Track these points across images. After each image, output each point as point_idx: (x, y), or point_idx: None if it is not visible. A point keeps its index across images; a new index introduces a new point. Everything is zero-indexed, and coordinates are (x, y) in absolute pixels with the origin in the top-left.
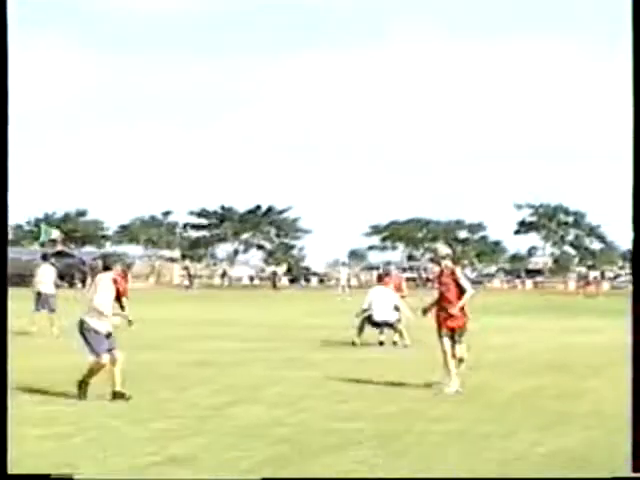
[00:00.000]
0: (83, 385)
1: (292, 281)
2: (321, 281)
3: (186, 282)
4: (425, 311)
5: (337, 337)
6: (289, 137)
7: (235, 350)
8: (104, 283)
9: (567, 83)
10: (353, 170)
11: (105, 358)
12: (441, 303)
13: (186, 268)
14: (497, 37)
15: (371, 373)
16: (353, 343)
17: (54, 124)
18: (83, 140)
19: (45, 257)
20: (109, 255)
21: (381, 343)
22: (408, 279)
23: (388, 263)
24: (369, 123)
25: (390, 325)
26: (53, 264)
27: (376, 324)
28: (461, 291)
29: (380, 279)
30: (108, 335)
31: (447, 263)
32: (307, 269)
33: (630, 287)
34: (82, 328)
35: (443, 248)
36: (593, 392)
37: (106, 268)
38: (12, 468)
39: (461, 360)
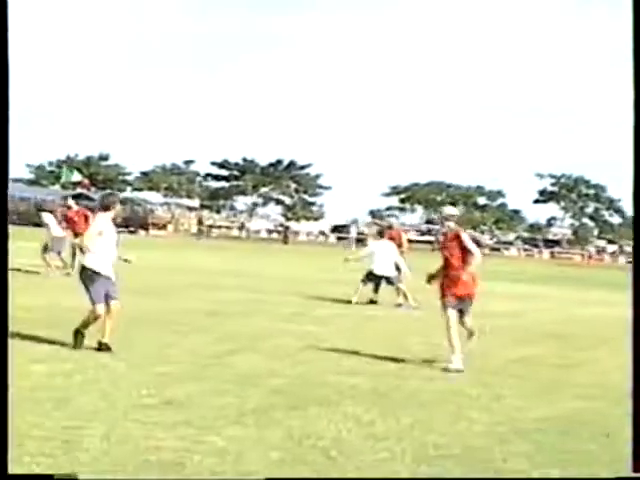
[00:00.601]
0: (79, 335)
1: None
2: (339, 238)
3: (195, 231)
4: (430, 278)
5: (345, 293)
6: (315, 94)
7: (243, 301)
8: (102, 223)
9: (597, 52)
10: (376, 130)
11: (100, 309)
12: (447, 270)
13: (200, 219)
14: None
15: (375, 330)
16: (347, 301)
17: (82, 66)
18: (109, 84)
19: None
20: (107, 195)
21: (372, 301)
22: (425, 242)
23: (403, 225)
24: (396, 84)
25: (389, 281)
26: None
27: (375, 277)
28: (467, 256)
29: (381, 233)
30: (107, 279)
31: (451, 225)
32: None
33: None
34: (81, 273)
35: (448, 208)
36: (593, 363)
37: (105, 208)
38: (13, 468)
39: (472, 333)
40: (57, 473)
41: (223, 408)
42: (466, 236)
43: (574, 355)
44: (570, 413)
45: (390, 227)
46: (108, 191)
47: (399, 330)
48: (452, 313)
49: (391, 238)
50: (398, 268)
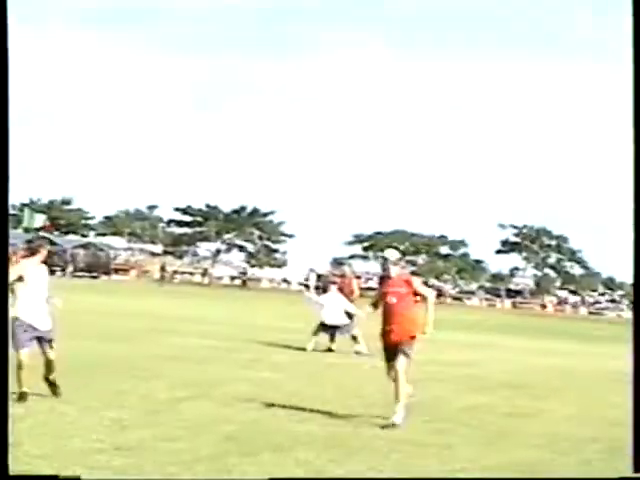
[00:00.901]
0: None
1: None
2: (305, 285)
3: (158, 277)
4: (375, 305)
5: (304, 341)
6: (278, 141)
7: (202, 347)
8: (23, 269)
9: (558, 103)
10: (339, 179)
11: (21, 355)
12: (390, 317)
13: (162, 265)
14: (482, 55)
15: (330, 378)
16: (304, 349)
17: (46, 111)
18: (73, 128)
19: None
20: (34, 240)
21: (330, 349)
22: None
23: (367, 273)
24: (359, 132)
25: (341, 331)
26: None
27: (327, 327)
28: (410, 302)
29: (325, 288)
30: (31, 325)
31: (395, 269)
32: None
33: (609, 314)
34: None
35: (391, 252)
36: (547, 412)
37: (32, 253)
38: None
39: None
40: (61, 474)
41: (176, 454)
42: (417, 280)
43: (528, 404)
44: (518, 462)
45: (343, 275)
46: (35, 236)
47: (354, 377)
48: (399, 362)
49: (341, 287)
50: (351, 316)
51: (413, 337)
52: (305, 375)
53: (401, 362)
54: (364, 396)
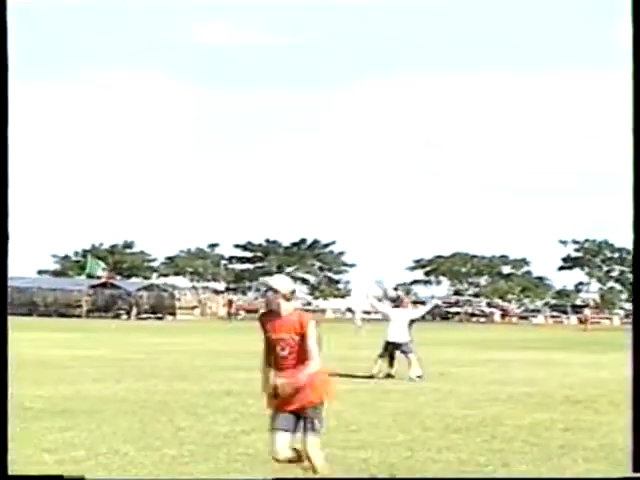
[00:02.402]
0: None
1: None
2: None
3: (224, 314)
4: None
5: (366, 369)
6: (334, 171)
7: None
8: None
9: (613, 114)
10: (398, 205)
11: None
12: (280, 369)
13: (229, 301)
14: (543, 69)
15: (389, 405)
16: (370, 376)
17: (103, 154)
18: (131, 173)
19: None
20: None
21: (389, 375)
22: (453, 314)
23: (432, 297)
24: (413, 157)
25: (400, 348)
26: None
27: (388, 346)
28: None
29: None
30: None
31: (285, 304)
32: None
33: None
34: None
35: (282, 281)
36: (605, 425)
37: None
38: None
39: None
40: (66, 475)
41: None
42: (312, 328)
43: (585, 419)
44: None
45: (398, 300)
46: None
47: (412, 403)
48: (280, 439)
49: None
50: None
51: (318, 403)
52: (365, 403)
53: (310, 439)
54: (422, 421)
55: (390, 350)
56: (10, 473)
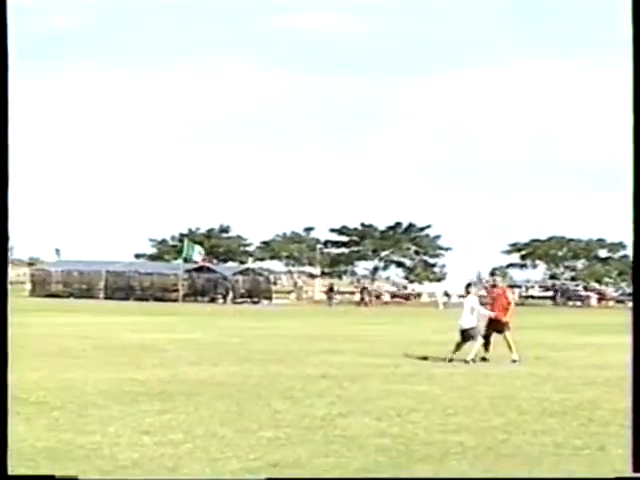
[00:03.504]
0: None
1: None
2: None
3: (325, 298)
4: None
5: (461, 354)
6: (429, 155)
7: (359, 364)
8: None
9: None
10: (492, 189)
11: None
12: None
13: (331, 286)
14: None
15: (486, 389)
16: (466, 361)
17: (198, 139)
18: (229, 157)
19: None
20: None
21: (484, 359)
22: (547, 297)
23: (468, 284)
24: (509, 140)
25: (469, 334)
26: None
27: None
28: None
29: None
30: None
31: None
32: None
33: None
34: None
35: None
36: None
37: None
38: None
39: None
40: (58, 475)
41: (328, 469)
42: None
43: None
44: None
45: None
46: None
47: (508, 386)
48: None
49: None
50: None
51: None
52: (462, 387)
53: None
54: (518, 405)
55: (487, 333)
56: (10, 473)
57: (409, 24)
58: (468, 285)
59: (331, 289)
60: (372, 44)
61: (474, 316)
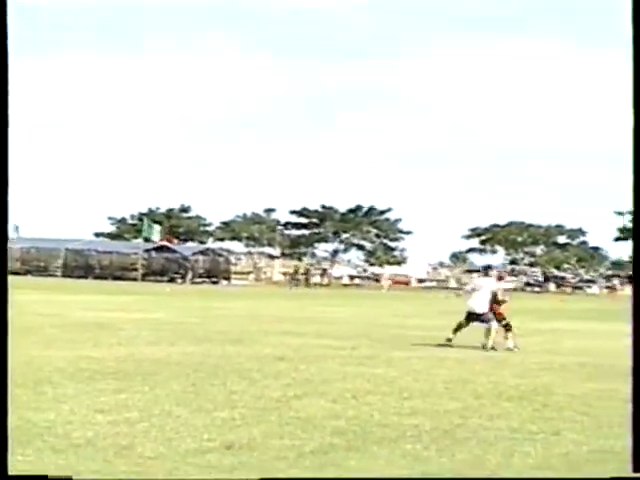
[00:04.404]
0: None
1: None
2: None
3: (289, 279)
4: None
5: (420, 337)
6: (392, 139)
7: (317, 346)
8: None
9: None
10: (453, 173)
11: None
12: None
13: (296, 269)
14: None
15: (443, 372)
16: (423, 344)
17: (163, 121)
18: (190, 137)
19: None
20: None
21: (483, 347)
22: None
23: (488, 266)
24: (469, 127)
25: (481, 319)
26: None
27: (469, 316)
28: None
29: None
30: None
31: None
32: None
33: None
34: None
35: None
36: None
37: None
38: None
39: None
40: (51, 475)
41: (282, 450)
42: None
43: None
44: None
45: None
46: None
47: (467, 371)
48: None
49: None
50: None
51: None
52: (419, 370)
53: None
54: (474, 389)
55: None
56: (10, 473)
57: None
58: (487, 267)
59: (296, 271)
60: (337, 25)
61: (487, 300)
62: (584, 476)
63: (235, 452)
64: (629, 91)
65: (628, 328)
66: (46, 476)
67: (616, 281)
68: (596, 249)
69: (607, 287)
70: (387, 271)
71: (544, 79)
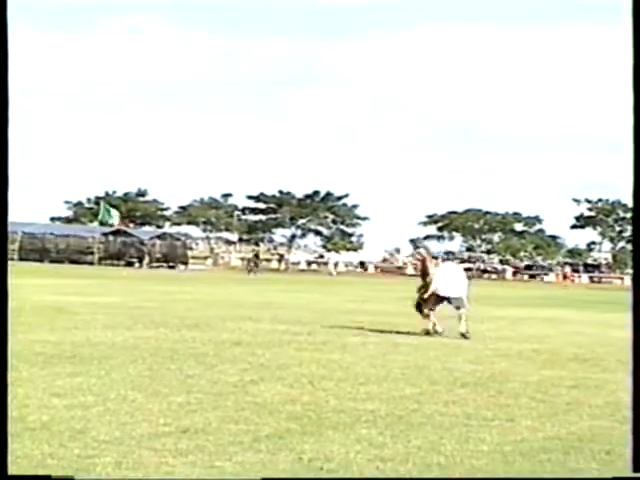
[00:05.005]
0: None
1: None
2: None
3: (246, 265)
4: None
5: (376, 323)
6: (348, 124)
7: (274, 331)
8: None
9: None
10: (411, 160)
11: None
12: None
13: (256, 254)
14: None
15: (399, 358)
16: (379, 330)
17: (119, 103)
18: (146, 120)
19: None
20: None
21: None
22: (465, 270)
23: (448, 252)
24: (427, 112)
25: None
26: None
27: (441, 300)
28: None
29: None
30: None
31: None
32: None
33: None
34: None
35: None
36: (613, 384)
37: None
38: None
39: None
40: (55, 475)
41: (238, 435)
42: None
43: (592, 377)
44: (578, 432)
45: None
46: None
47: (422, 357)
48: None
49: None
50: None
51: None
52: (374, 356)
53: None
54: (430, 375)
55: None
56: (10, 473)
57: None
58: (448, 252)
59: (257, 256)
60: (295, 5)
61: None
62: (584, 476)
63: (191, 436)
64: (588, 77)
65: (584, 315)
66: (49, 476)
67: (568, 269)
68: (553, 237)
69: (563, 275)
70: (343, 257)
71: (502, 61)
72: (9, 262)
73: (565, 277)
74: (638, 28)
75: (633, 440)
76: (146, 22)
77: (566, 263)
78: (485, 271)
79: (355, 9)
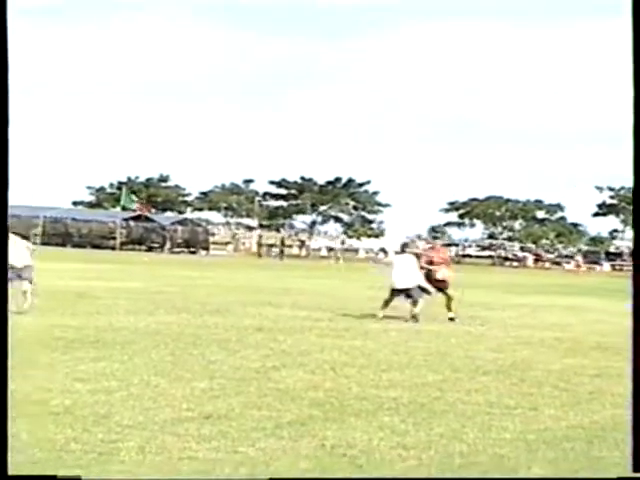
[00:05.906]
0: None
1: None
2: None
3: (277, 252)
4: None
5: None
6: (372, 111)
7: (295, 317)
8: None
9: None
10: (433, 146)
11: None
12: None
13: (282, 240)
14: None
15: (420, 345)
16: (399, 318)
17: (142, 91)
18: (170, 106)
19: None
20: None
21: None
22: (486, 257)
23: (465, 240)
24: (451, 100)
25: (409, 295)
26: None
27: (398, 292)
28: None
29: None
30: None
31: None
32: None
33: None
34: None
35: None
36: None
37: None
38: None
39: None
40: (60, 475)
41: (261, 421)
42: None
43: (615, 365)
44: (601, 421)
45: (433, 247)
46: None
47: (443, 344)
48: None
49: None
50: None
51: None
52: (396, 343)
53: None
54: (452, 362)
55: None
56: (10, 473)
57: None
58: (404, 244)
59: (282, 242)
60: (295, 5)
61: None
62: (584, 476)
63: (214, 422)
64: (605, 66)
65: (606, 304)
66: (54, 476)
67: (580, 258)
68: (575, 225)
69: (586, 264)
70: (364, 244)
71: (525, 54)
72: (33, 246)
73: (578, 266)
74: (638, 26)
75: (633, 440)
76: (163, 20)
77: (587, 251)
78: (506, 258)
79: (355, 9)
